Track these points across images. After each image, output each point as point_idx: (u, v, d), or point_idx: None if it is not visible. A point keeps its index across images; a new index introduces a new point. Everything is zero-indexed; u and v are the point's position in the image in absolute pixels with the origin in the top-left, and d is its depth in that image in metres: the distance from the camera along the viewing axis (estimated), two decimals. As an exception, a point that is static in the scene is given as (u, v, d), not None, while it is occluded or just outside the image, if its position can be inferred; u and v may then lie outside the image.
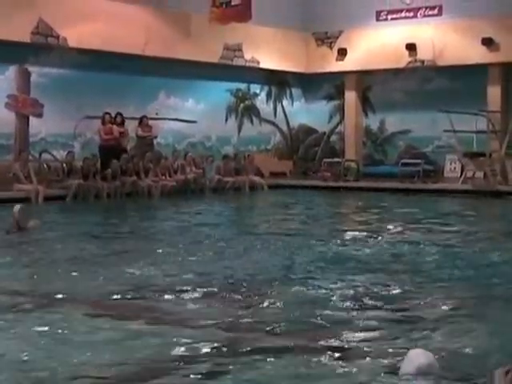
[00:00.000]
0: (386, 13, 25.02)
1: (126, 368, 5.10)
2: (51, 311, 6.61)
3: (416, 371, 4.64)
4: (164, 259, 9.65)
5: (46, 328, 5.97)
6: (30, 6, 19.21)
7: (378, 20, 25.28)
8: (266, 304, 6.94)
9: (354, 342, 5.68)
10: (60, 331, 5.90)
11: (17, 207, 11.78)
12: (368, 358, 5.22)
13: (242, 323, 6.25)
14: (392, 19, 25.00)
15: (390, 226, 13.28)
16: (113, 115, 20.30)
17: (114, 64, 21.23)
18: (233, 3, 21.94)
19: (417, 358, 4.71)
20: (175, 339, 5.70)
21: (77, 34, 20.17)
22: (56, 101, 20.43)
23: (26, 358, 5.21)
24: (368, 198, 20.61)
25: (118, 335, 5.80)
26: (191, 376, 4.95)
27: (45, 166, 19.21)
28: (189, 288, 7.63)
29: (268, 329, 5.98)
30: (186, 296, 7.32)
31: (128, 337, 5.77)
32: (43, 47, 20.10)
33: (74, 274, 8.49)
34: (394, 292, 7.54)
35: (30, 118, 20.22)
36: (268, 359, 5.20)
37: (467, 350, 5.47)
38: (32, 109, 20.20)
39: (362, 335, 5.85)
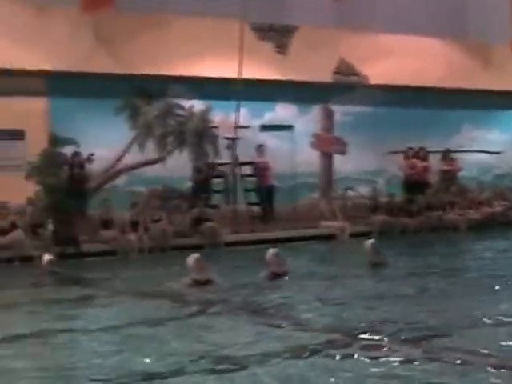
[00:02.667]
0: None
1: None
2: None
3: None
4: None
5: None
6: (330, 46, 19.35)
7: None
8: None
9: None
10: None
11: (368, 242, 11.49)
12: None
13: None
14: None
15: None
16: (416, 150, 19.79)
17: (416, 98, 20.79)
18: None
19: None
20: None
21: (377, 71, 20.02)
22: (359, 138, 20.27)
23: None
24: None
25: None
26: None
27: (350, 202, 19.07)
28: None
29: None
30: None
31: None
32: (345, 86, 20.13)
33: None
34: None
35: (334, 155, 20.28)
36: None
37: None
38: (336, 147, 20.18)
39: None
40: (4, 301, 9.83)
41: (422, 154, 19.81)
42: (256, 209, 17.45)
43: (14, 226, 14.53)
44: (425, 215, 18.59)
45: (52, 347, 6.82)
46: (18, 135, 16.63)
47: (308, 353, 5.96)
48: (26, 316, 8.69)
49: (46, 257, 12.06)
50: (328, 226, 17.42)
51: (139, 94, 17.81)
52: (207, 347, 6.32)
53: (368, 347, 6.11)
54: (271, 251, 10.14)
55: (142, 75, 17.33)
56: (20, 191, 15.97)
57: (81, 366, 5.92)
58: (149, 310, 8.47)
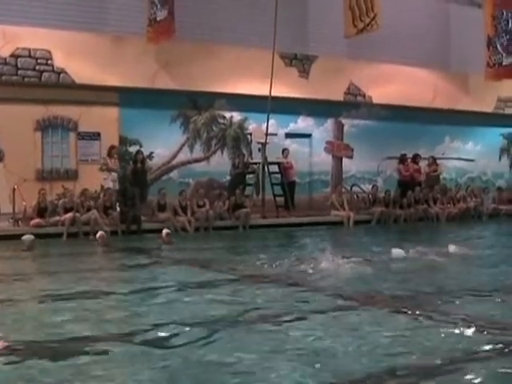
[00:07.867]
0: None
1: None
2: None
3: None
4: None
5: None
6: (342, 72, 18.76)
7: None
8: None
9: None
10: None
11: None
12: None
13: None
14: None
15: None
16: (411, 155, 18.98)
17: (408, 115, 20.02)
18: (504, 63, 19.76)
19: None
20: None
21: (379, 93, 19.42)
22: (363, 145, 19.74)
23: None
24: None
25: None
26: None
27: (355, 196, 18.34)
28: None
29: None
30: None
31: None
32: (353, 104, 19.46)
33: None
34: None
35: (343, 159, 19.68)
36: None
37: None
38: (344, 152, 19.67)
39: None
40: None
41: (416, 159, 18.99)
42: (280, 199, 16.75)
43: (90, 208, 13.98)
44: (413, 208, 17.79)
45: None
46: (95, 136, 16.10)
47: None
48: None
49: (165, 231, 11.78)
50: (337, 214, 16.68)
51: (190, 106, 17.36)
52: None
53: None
54: None
55: (193, 91, 16.80)
56: (95, 180, 15.56)
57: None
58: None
